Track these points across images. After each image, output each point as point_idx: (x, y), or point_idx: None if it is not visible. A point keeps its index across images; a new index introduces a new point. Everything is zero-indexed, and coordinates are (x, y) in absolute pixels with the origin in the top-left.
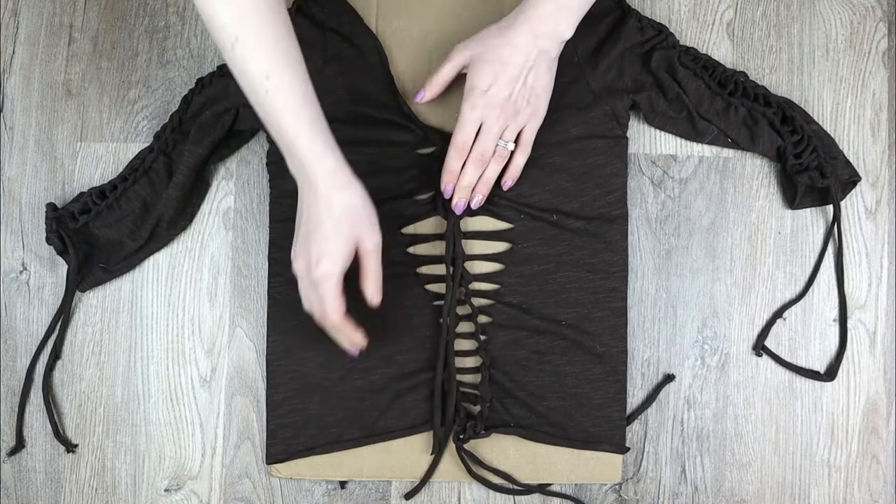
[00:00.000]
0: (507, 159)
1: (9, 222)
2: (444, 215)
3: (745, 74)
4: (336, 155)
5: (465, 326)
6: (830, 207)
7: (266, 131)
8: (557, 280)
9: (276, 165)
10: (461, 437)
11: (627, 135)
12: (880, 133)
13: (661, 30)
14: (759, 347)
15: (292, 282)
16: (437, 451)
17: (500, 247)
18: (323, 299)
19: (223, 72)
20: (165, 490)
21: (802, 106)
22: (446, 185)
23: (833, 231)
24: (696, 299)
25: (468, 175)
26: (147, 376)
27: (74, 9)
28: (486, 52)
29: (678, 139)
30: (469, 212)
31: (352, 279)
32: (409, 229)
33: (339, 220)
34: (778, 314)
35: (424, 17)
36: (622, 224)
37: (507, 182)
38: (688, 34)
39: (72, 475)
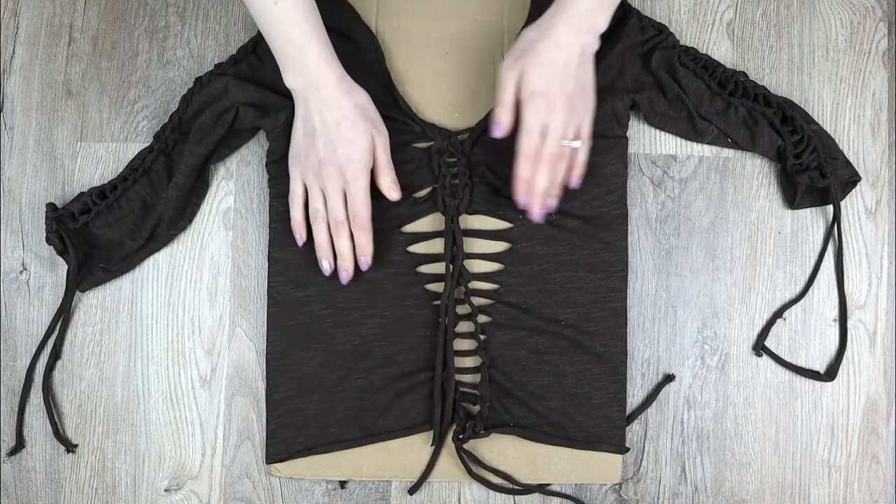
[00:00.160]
0: (570, 157)
1: (9, 222)
2: (444, 211)
3: (745, 74)
4: (339, 63)
5: (464, 326)
6: (830, 207)
7: (269, 43)
8: (557, 280)
9: (276, 165)
10: (461, 436)
11: (627, 135)
12: (880, 133)
13: (661, 29)
14: (759, 347)
15: (292, 282)
16: (438, 442)
17: (499, 246)
18: (356, 196)
19: (222, 70)
20: (165, 490)
21: (802, 106)
22: (521, 194)
23: (833, 231)
24: (696, 299)
25: (541, 181)
26: (147, 376)
27: (74, 9)
28: (535, 56)
29: (678, 139)
30: (469, 210)
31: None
32: (409, 228)
33: (356, 119)
34: (778, 314)
35: (424, 17)
36: (622, 224)
37: (577, 180)
38: (688, 34)
39: (72, 475)
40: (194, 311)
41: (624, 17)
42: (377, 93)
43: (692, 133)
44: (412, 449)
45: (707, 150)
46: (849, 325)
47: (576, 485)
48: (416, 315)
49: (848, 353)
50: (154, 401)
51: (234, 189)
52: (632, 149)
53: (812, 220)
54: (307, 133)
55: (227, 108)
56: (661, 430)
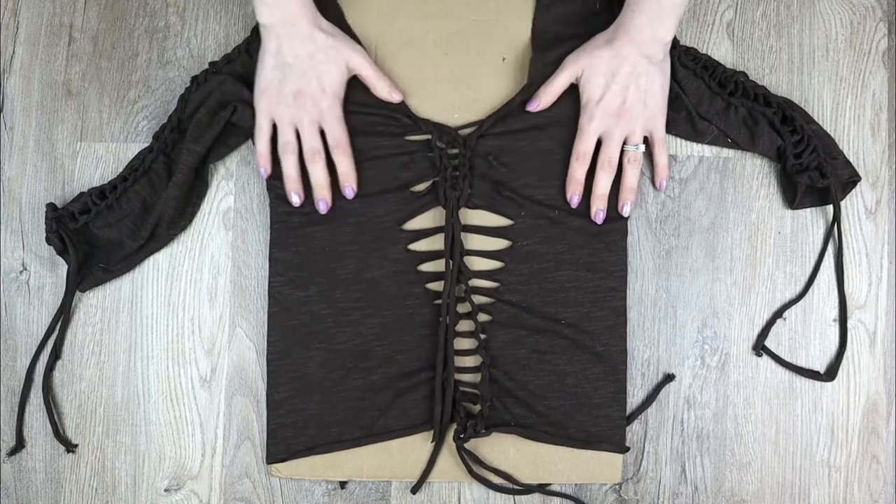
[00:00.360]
0: (641, 162)
1: (9, 222)
2: (444, 204)
3: (745, 74)
4: (312, 1)
5: (465, 325)
6: (830, 207)
7: None
8: (557, 279)
9: (276, 165)
10: (461, 436)
11: None
12: (880, 133)
13: None
14: (759, 347)
15: (293, 282)
16: (438, 439)
17: (500, 244)
18: (333, 124)
19: (218, 68)
20: (165, 490)
21: (802, 106)
22: (572, 194)
23: (833, 231)
24: (696, 299)
25: (601, 183)
26: (147, 376)
27: (74, 9)
28: (597, 64)
29: (678, 139)
30: (469, 203)
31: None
32: (409, 225)
33: (327, 49)
34: (778, 314)
35: (424, 17)
36: (622, 223)
37: (662, 182)
38: (688, 34)
39: (72, 475)
40: (194, 311)
41: None
42: (363, 90)
43: (692, 133)
44: (412, 449)
45: (707, 150)
46: (849, 325)
47: (576, 485)
48: (416, 314)
49: (848, 353)
50: (154, 401)
51: (234, 189)
52: None
53: (812, 220)
54: (278, 67)
55: (224, 105)
56: (661, 430)
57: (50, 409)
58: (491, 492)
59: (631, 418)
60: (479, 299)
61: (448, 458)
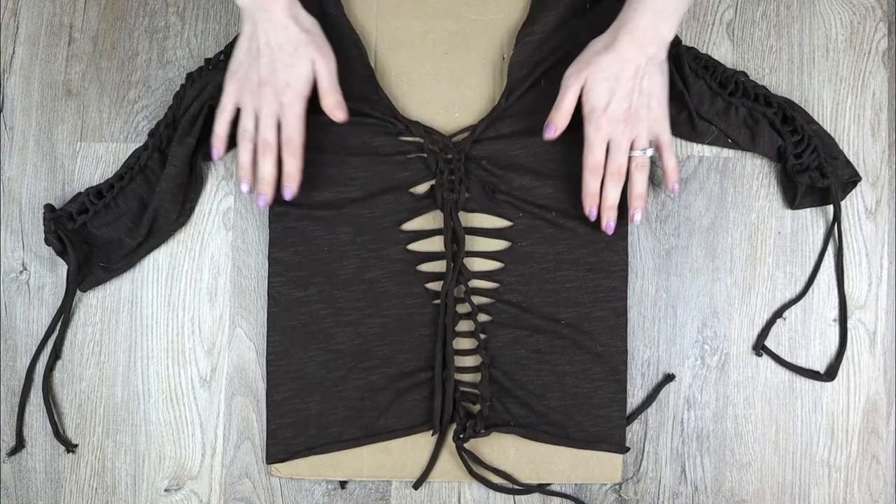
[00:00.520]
0: (649, 167)
1: (9, 222)
2: (442, 207)
3: (745, 74)
4: None
5: (464, 325)
6: (830, 207)
7: None
8: (557, 279)
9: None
10: (461, 436)
11: None
12: (880, 133)
13: None
14: (759, 347)
15: (293, 282)
16: (439, 433)
17: (499, 245)
18: (290, 121)
19: (211, 64)
20: (165, 490)
21: (802, 106)
22: (590, 207)
23: (833, 231)
24: (696, 299)
25: (610, 194)
26: (147, 376)
27: (74, 9)
28: (599, 70)
29: (678, 139)
30: (467, 206)
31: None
32: (408, 226)
33: (298, 45)
34: (778, 314)
35: (424, 17)
36: (622, 223)
37: (675, 186)
38: (688, 34)
39: (72, 475)
40: (194, 311)
41: None
42: (359, 89)
43: (692, 134)
44: (412, 449)
45: (707, 150)
46: (849, 325)
47: (576, 485)
48: (416, 314)
49: (848, 353)
50: (154, 401)
51: (234, 189)
52: None
53: (812, 220)
54: (250, 51)
55: (214, 96)
56: (661, 430)
57: (50, 409)
58: (491, 492)
59: (631, 418)
60: (478, 300)
61: (448, 458)
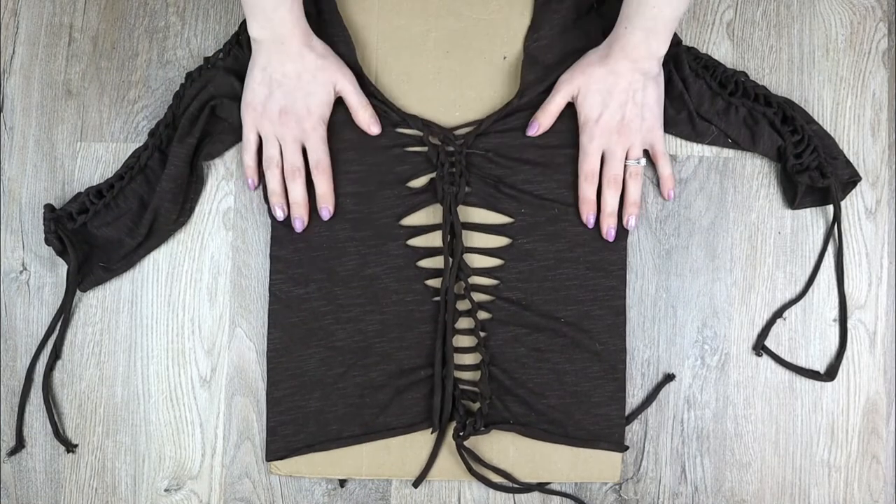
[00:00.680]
0: (643, 175)
1: (9, 222)
2: (441, 200)
3: (745, 74)
4: (305, 19)
5: (464, 322)
6: (830, 207)
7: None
8: (557, 277)
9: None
10: (461, 433)
11: None
12: (880, 133)
13: None
14: (759, 347)
15: (293, 279)
16: (438, 431)
17: (500, 241)
18: (317, 145)
19: (211, 63)
20: (165, 490)
21: (802, 106)
22: (587, 215)
23: (833, 231)
24: (696, 299)
25: (609, 201)
26: (147, 376)
27: (74, 9)
28: (592, 82)
29: (678, 139)
30: (468, 202)
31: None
32: (407, 221)
33: (316, 72)
34: (778, 314)
35: (425, 16)
36: (620, 225)
37: (671, 192)
38: (688, 34)
39: (72, 475)
40: (194, 311)
41: None
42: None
43: (692, 134)
44: (412, 447)
45: (707, 150)
46: (849, 325)
47: (576, 484)
48: (416, 311)
49: (848, 353)
50: (154, 401)
51: (234, 189)
52: None
53: (812, 220)
54: (266, 82)
55: (213, 96)
56: (661, 430)
57: (50, 409)
58: (491, 491)
59: (631, 418)
60: (478, 297)
61: (448, 457)
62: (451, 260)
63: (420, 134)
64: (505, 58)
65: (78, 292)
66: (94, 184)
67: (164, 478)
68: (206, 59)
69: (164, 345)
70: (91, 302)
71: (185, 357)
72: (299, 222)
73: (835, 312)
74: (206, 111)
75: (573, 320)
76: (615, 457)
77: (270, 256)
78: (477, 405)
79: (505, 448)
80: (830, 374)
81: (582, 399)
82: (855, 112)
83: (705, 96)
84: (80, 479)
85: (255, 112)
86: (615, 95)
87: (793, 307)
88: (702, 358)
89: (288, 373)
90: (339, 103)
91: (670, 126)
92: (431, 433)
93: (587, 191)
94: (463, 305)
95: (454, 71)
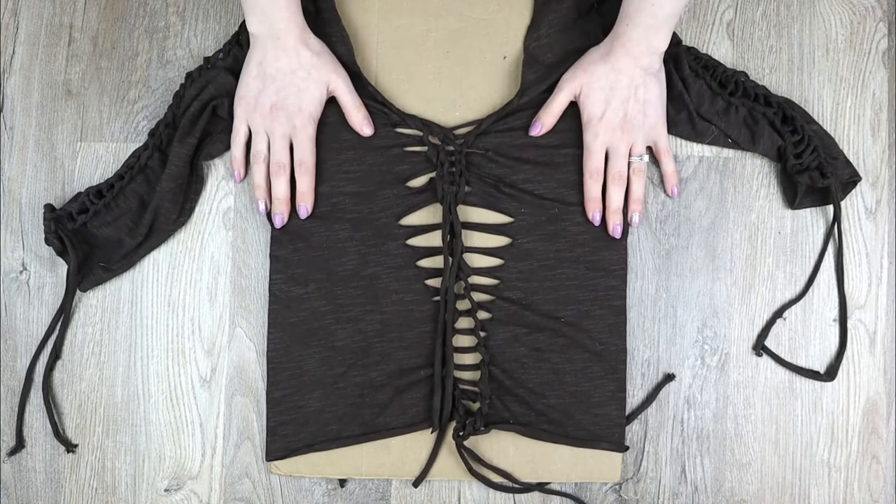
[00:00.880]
0: (646, 172)
1: (9, 222)
2: (441, 200)
3: (745, 74)
4: (302, 15)
5: (464, 322)
6: (830, 207)
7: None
8: (557, 276)
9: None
10: (460, 433)
11: None
12: (880, 133)
13: None
14: (759, 347)
15: (293, 279)
16: (438, 431)
17: (500, 241)
18: (303, 143)
19: (211, 63)
20: (165, 490)
21: (802, 106)
22: (593, 212)
23: (833, 231)
24: (696, 299)
25: (614, 198)
26: (147, 376)
27: (74, 9)
28: (594, 80)
29: (678, 139)
30: (468, 202)
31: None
32: (407, 220)
33: (310, 69)
34: (778, 314)
35: (425, 15)
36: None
37: (674, 189)
38: (688, 34)
39: (72, 475)
40: (194, 311)
41: None
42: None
43: (692, 134)
44: (412, 447)
45: (707, 150)
46: (849, 325)
47: (576, 484)
48: (416, 311)
49: (848, 353)
50: (154, 401)
51: (234, 189)
52: None
53: (812, 220)
54: (260, 76)
55: (214, 96)
56: (661, 430)
57: (50, 409)
58: (491, 492)
59: (631, 418)
60: (478, 296)
61: (447, 456)
62: (450, 259)
63: (420, 134)
64: (505, 58)
65: (78, 292)
66: (94, 184)
67: (164, 478)
68: (206, 59)
69: (164, 345)
70: (91, 302)
71: (185, 357)
72: (279, 218)
73: (835, 312)
74: (206, 111)
75: (573, 320)
76: (615, 457)
77: (270, 256)
78: (477, 405)
79: (505, 448)
80: (830, 374)
81: (582, 399)
82: (855, 112)
83: (705, 96)
84: (80, 479)
85: (248, 105)
86: (617, 92)
87: (793, 307)
88: (702, 358)
89: (288, 373)
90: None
91: (670, 126)
92: (431, 433)
93: (592, 188)
94: (463, 305)
95: (454, 71)
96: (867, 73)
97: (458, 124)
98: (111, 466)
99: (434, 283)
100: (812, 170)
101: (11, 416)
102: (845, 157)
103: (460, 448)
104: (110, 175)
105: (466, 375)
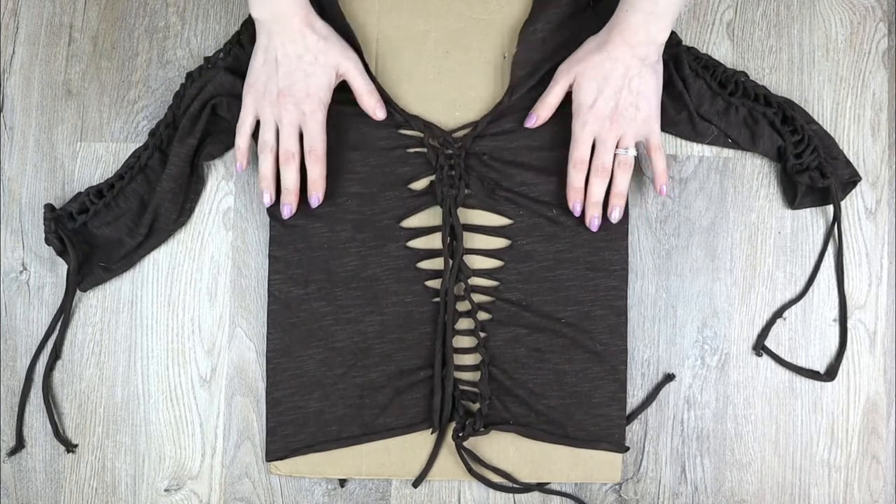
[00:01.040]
0: (632, 166)
1: (9, 222)
2: (441, 202)
3: (745, 74)
4: (309, 1)
5: (464, 323)
6: (830, 207)
7: None
8: (557, 277)
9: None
10: (460, 434)
11: None
12: (880, 133)
13: None
14: (759, 347)
15: (293, 279)
16: (438, 431)
17: (499, 242)
18: (313, 129)
19: (211, 63)
20: (165, 490)
21: (802, 106)
22: (574, 202)
23: (833, 231)
24: (696, 299)
25: (595, 190)
26: (147, 376)
27: (74, 9)
28: (588, 68)
29: (678, 139)
30: (467, 203)
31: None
32: (407, 222)
33: (318, 53)
34: (778, 314)
35: (425, 15)
36: (622, 222)
37: (663, 188)
38: (688, 34)
39: (72, 475)
40: (194, 311)
41: None
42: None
43: (692, 134)
44: (412, 447)
45: (707, 150)
46: (849, 325)
47: (576, 484)
48: (416, 312)
49: (848, 353)
50: (154, 401)
51: (234, 189)
52: None
53: (812, 220)
54: (267, 63)
55: (214, 95)
56: (661, 430)
57: (50, 409)
58: (490, 491)
59: (631, 418)
60: (478, 298)
61: (447, 457)
62: (451, 261)
63: (421, 135)
64: (505, 57)
65: (78, 292)
66: (94, 184)
67: (164, 478)
68: (207, 59)
69: (164, 345)
70: (91, 302)
71: (185, 357)
72: (287, 209)
73: (835, 312)
74: (206, 111)
75: (573, 321)
76: (615, 457)
77: (269, 256)
78: (477, 406)
79: (505, 448)
80: (830, 374)
81: (582, 399)
82: (855, 112)
83: (705, 96)
84: (80, 479)
85: (257, 93)
86: (611, 82)
87: (793, 307)
88: (702, 358)
89: (288, 373)
90: (344, 103)
91: (670, 126)
92: (431, 433)
93: (575, 178)
94: (463, 306)
95: (454, 71)
96: (867, 73)
97: (458, 125)
98: (111, 466)
99: (434, 284)
100: (812, 170)
101: (11, 416)
102: (845, 157)
103: (460, 448)
104: (110, 175)
105: (466, 376)
